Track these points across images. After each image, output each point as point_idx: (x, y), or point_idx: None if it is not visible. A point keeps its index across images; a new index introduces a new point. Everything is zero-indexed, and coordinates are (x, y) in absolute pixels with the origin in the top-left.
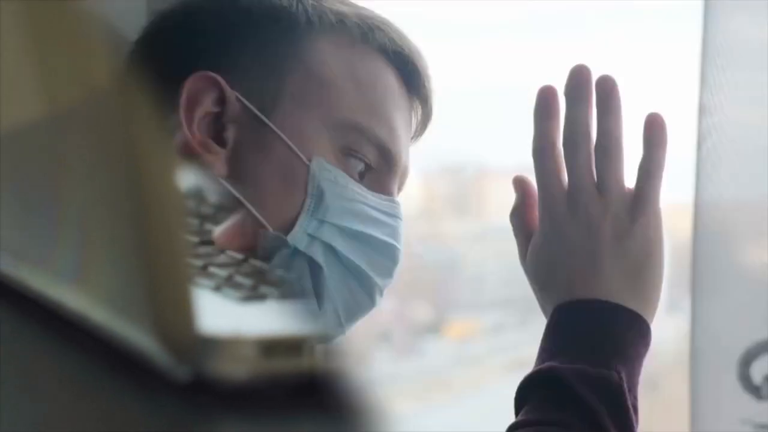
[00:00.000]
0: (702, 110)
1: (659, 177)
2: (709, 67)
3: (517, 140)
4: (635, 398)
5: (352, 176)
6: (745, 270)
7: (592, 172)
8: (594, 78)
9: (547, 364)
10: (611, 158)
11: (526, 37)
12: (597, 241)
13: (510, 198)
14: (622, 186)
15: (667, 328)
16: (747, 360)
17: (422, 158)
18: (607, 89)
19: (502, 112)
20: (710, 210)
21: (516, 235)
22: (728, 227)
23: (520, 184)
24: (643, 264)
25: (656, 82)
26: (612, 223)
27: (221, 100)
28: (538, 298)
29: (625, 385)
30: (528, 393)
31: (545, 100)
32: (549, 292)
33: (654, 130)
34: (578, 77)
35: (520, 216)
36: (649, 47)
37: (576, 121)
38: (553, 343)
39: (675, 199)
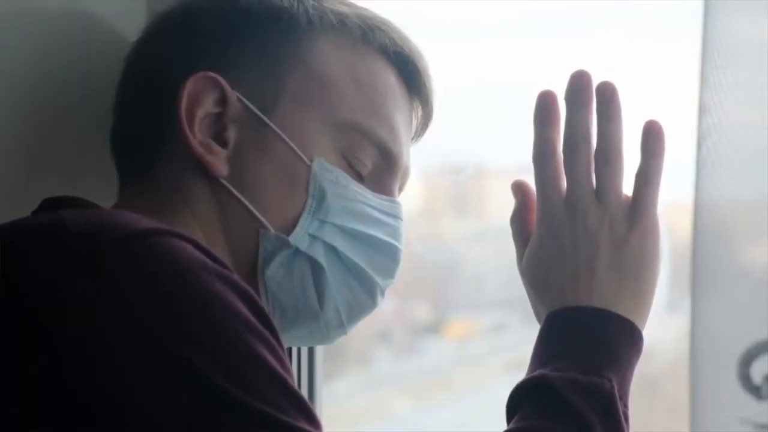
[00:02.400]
0: (702, 110)
1: (657, 185)
2: (709, 67)
3: (517, 140)
4: (626, 406)
5: (352, 176)
6: (745, 270)
7: (591, 179)
8: (595, 83)
9: (538, 371)
10: (611, 165)
11: (526, 37)
12: (594, 248)
13: (510, 198)
14: (621, 193)
15: (667, 328)
16: (747, 360)
17: (422, 158)
18: (608, 95)
19: (502, 112)
20: (710, 210)
21: (514, 239)
22: (728, 227)
23: (519, 188)
24: (638, 272)
25: (656, 82)
26: (609, 230)
27: (222, 101)
28: (532, 303)
29: (617, 393)
30: (520, 400)
31: (545, 105)
32: (543, 296)
33: (652, 138)
34: (579, 82)
35: (519, 220)
36: (649, 47)
37: (576, 126)
38: (545, 349)
39: (675, 199)
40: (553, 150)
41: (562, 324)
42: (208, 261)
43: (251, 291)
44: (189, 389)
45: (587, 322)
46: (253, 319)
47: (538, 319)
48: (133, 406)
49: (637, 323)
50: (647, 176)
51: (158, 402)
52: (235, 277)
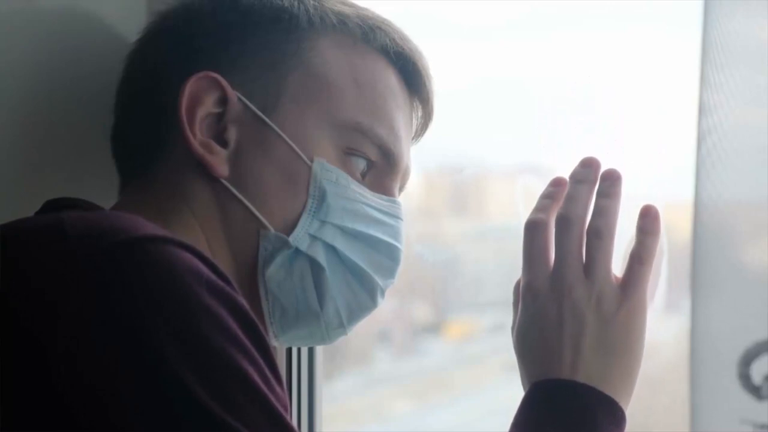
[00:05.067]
0: (702, 110)
1: (649, 265)
2: (709, 67)
3: (517, 140)
4: None
5: (353, 176)
6: (745, 270)
7: (581, 253)
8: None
9: None
10: (603, 241)
11: (526, 36)
12: (580, 324)
13: (510, 198)
14: (610, 270)
15: (667, 328)
16: (747, 360)
17: (422, 158)
18: (613, 178)
19: (502, 112)
20: (710, 210)
21: (513, 306)
22: (728, 227)
23: None
24: (623, 350)
25: (656, 82)
26: (597, 306)
27: (223, 101)
28: (519, 371)
29: None
30: None
31: (554, 182)
32: (527, 367)
33: (649, 220)
34: (587, 163)
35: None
36: (649, 47)
37: (575, 199)
38: (526, 419)
39: (675, 199)
40: (546, 222)
41: (545, 396)
42: (203, 272)
43: (245, 306)
44: (170, 400)
45: (571, 396)
46: (241, 335)
47: (524, 387)
48: (119, 413)
49: (620, 402)
50: (642, 255)
51: (142, 411)
52: (229, 290)
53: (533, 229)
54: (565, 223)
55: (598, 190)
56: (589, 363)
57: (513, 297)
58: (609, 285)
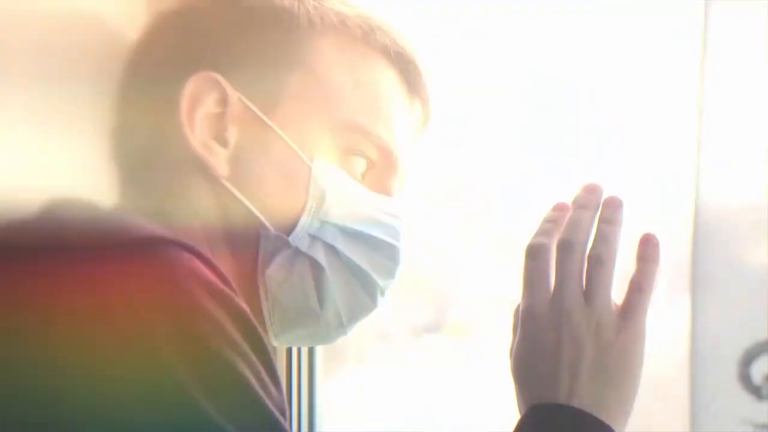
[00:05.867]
0: (702, 110)
1: (649, 293)
2: (709, 67)
3: (519, 142)
4: None
5: (353, 176)
6: (745, 270)
7: (581, 279)
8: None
9: None
10: (604, 268)
11: (526, 37)
12: (578, 349)
13: (511, 199)
14: (610, 297)
15: (667, 328)
16: (747, 360)
17: (423, 159)
18: (615, 204)
19: (502, 112)
20: (710, 210)
21: (513, 330)
22: (728, 227)
23: None
24: (621, 377)
25: (656, 82)
26: (596, 332)
27: (223, 101)
28: (515, 394)
29: None
30: None
31: (557, 209)
32: (524, 391)
33: (650, 248)
34: (590, 188)
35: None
36: (649, 47)
37: (576, 224)
38: None
39: (675, 199)
40: (548, 247)
41: (541, 420)
42: (203, 273)
43: (245, 309)
44: (168, 401)
45: (567, 421)
46: (239, 339)
47: (519, 411)
48: (118, 413)
49: (615, 429)
50: (642, 283)
51: (141, 411)
52: (229, 292)
53: (534, 253)
54: (566, 248)
55: (600, 216)
56: (586, 389)
57: (512, 320)
58: (608, 312)
